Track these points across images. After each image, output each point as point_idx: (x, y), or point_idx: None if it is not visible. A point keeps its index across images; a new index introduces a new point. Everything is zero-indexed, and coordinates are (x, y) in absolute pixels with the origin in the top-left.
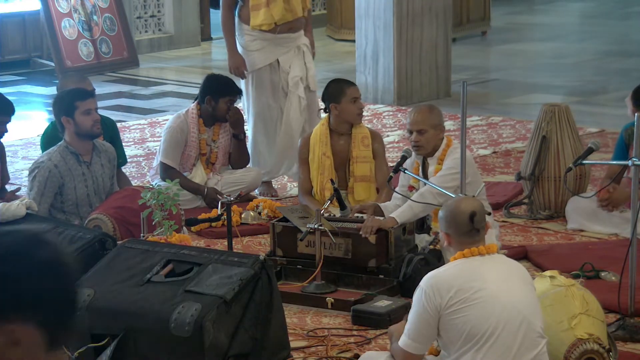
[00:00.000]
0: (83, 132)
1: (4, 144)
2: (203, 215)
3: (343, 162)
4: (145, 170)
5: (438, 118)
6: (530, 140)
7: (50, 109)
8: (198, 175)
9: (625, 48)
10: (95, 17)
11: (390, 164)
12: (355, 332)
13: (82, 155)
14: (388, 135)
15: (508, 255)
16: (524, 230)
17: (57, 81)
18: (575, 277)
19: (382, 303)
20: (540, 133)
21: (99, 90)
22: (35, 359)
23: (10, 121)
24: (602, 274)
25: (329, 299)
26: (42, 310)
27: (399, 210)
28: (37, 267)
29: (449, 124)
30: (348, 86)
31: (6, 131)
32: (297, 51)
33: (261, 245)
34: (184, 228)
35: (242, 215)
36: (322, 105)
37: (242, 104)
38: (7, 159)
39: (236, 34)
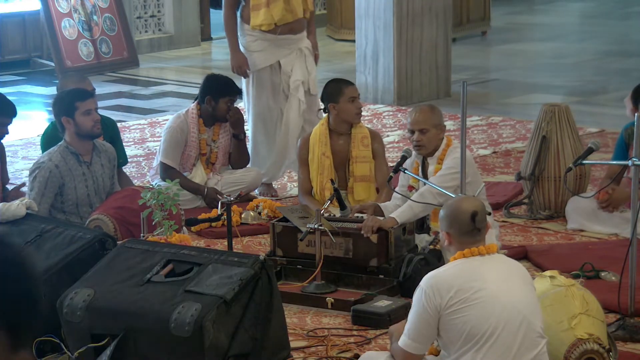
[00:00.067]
0: (83, 133)
1: (4, 145)
2: (203, 215)
3: (343, 162)
4: (145, 170)
5: (439, 118)
6: (530, 140)
7: (50, 109)
8: (198, 175)
9: (625, 48)
10: (95, 17)
11: (390, 164)
12: (355, 332)
13: (82, 155)
14: (388, 135)
15: (508, 255)
16: (524, 230)
17: (57, 81)
18: (575, 277)
19: (382, 303)
20: (540, 133)
21: (99, 90)
22: None
23: (11, 123)
24: (602, 274)
25: (329, 299)
26: (3, 312)
27: (399, 210)
28: None
29: (449, 124)
30: (346, 86)
31: (7, 133)
32: (299, 54)
33: (261, 245)
34: (184, 228)
35: (242, 215)
36: (321, 105)
37: (242, 104)
38: (7, 159)
39: (238, 34)
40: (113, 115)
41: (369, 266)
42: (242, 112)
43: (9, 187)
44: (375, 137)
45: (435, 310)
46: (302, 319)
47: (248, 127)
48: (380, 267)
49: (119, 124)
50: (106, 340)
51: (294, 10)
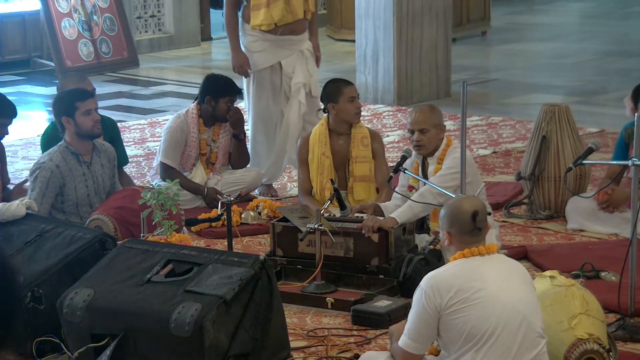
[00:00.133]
0: (83, 133)
1: (4, 145)
2: (203, 215)
3: (342, 162)
4: (145, 170)
5: (439, 118)
6: (530, 140)
7: (50, 109)
8: (198, 175)
9: (625, 48)
10: (95, 17)
11: (390, 164)
12: (355, 332)
13: (82, 155)
14: (388, 135)
15: (508, 255)
16: (524, 230)
17: (57, 81)
18: (575, 277)
19: (382, 303)
20: (540, 133)
21: (99, 90)
22: None
23: (11, 123)
24: (602, 274)
25: (329, 299)
26: None
27: (399, 210)
28: None
29: (449, 124)
30: (345, 85)
31: (7, 133)
32: (300, 55)
33: (261, 245)
34: (184, 228)
35: (242, 215)
36: (320, 105)
37: (243, 104)
38: (7, 159)
39: (239, 34)
40: (113, 115)
41: (369, 265)
42: (243, 112)
43: (10, 187)
44: (375, 137)
45: (435, 310)
46: (302, 319)
47: (248, 127)
48: (380, 267)
49: (119, 124)
50: (106, 340)
51: (294, 10)
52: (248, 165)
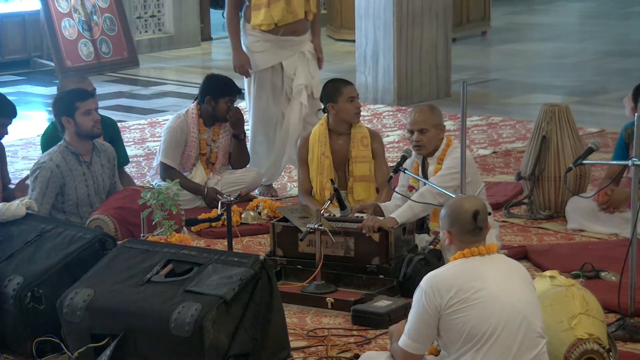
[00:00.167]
0: (83, 133)
1: (4, 145)
2: (203, 215)
3: (342, 162)
4: (145, 170)
5: (439, 118)
6: (530, 140)
7: (50, 109)
8: (198, 175)
9: (625, 48)
10: (95, 17)
11: (390, 164)
12: (355, 332)
13: (82, 155)
14: (388, 135)
15: (508, 255)
16: (524, 230)
17: (57, 81)
18: (575, 277)
19: (382, 303)
20: (540, 133)
21: (99, 90)
22: None
23: (11, 123)
24: (602, 274)
25: (329, 299)
26: None
27: (399, 210)
28: None
29: (449, 124)
30: (345, 85)
31: (6, 133)
32: (302, 57)
33: (261, 245)
34: (184, 228)
35: (242, 215)
36: (320, 105)
37: (244, 104)
38: (7, 159)
39: (241, 34)
40: (113, 115)
41: (370, 265)
42: (244, 112)
43: (12, 187)
44: (375, 137)
45: (435, 310)
46: (302, 319)
47: (248, 127)
48: (380, 267)
49: (119, 124)
50: (106, 340)
51: (294, 11)
52: (248, 165)
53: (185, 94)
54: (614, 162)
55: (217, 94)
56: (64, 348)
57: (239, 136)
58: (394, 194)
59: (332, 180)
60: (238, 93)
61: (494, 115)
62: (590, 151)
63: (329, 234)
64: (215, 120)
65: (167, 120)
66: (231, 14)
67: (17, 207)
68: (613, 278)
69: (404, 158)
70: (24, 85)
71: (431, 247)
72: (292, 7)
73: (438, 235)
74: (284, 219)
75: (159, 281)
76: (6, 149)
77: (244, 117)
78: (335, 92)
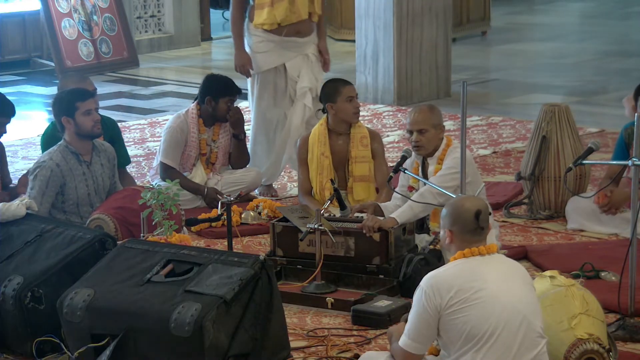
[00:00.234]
0: (84, 133)
1: (4, 144)
2: (203, 215)
3: (342, 162)
4: (145, 170)
5: (438, 118)
6: (530, 140)
7: (50, 109)
8: (198, 175)
9: (625, 48)
10: (95, 17)
11: (391, 164)
12: (355, 332)
13: (82, 155)
14: (388, 135)
15: (508, 255)
16: (524, 230)
17: (57, 81)
18: (575, 277)
19: (382, 303)
20: (540, 133)
21: (99, 90)
22: None
23: (10, 122)
24: (602, 274)
25: (329, 299)
26: None
27: (399, 210)
28: None
29: (449, 124)
30: (344, 85)
31: (5, 132)
32: (306, 59)
33: (261, 245)
34: (184, 228)
35: (242, 215)
36: (320, 105)
37: (244, 104)
38: (7, 159)
39: (245, 34)
40: (113, 115)
41: (370, 265)
42: (245, 112)
43: (12, 186)
44: (375, 137)
45: (435, 310)
46: (302, 319)
47: (250, 127)
48: (380, 267)
49: (119, 124)
50: (106, 340)
51: (298, 11)
52: (248, 165)
53: (185, 94)
54: (614, 162)
55: (217, 94)
56: (64, 348)
57: (239, 136)
58: (394, 194)
59: (332, 180)
60: (238, 93)
61: (494, 115)
62: (590, 151)
63: (329, 234)
64: (215, 120)
65: (167, 120)
66: (235, 14)
67: (17, 207)
68: (613, 278)
69: (404, 158)
70: (24, 85)
71: (431, 247)
72: (295, 7)
73: (438, 235)
74: (284, 219)
75: (159, 281)
76: (6, 149)
77: (244, 117)
78: (334, 92)
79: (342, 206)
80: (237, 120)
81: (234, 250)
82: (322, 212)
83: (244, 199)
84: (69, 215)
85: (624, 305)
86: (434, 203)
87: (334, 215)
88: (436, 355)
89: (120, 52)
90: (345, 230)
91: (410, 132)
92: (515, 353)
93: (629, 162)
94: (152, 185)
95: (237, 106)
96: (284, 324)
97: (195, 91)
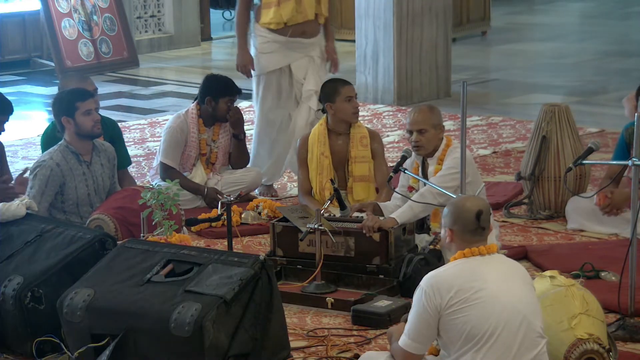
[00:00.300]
0: (84, 133)
1: (4, 144)
2: (203, 215)
3: (342, 162)
4: (145, 170)
5: (438, 118)
6: (530, 140)
7: (50, 109)
8: (198, 175)
9: (625, 48)
10: (95, 17)
11: (390, 164)
12: (355, 332)
13: (82, 155)
14: (388, 135)
15: (508, 255)
16: (524, 230)
17: (57, 81)
18: (575, 277)
19: (382, 303)
20: (540, 133)
21: (99, 90)
22: None
23: (8, 120)
24: (602, 274)
25: (329, 299)
26: None
27: (399, 210)
28: None
29: (449, 124)
30: (343, 85)
31: (3, 130)
32: (311, 62)
33: (261, 245)
34: (184, 228)
35: (242, 215)
36: (320, 105)
37: (244, 104)
38: (7, 159)
39: (251, 34)
40: (113, 115)
41: (370, 265)
42: (247, 112)
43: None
44: (375, 137)
45: (435, 310)
46: (302, 319)
47: (253, 127)
48: (380, 267)
49: (119, 124)
50: (106, 340)
51: (304, 11)
52: (248, 165)
53: (185, 94)
54: (614, 162)
55: (217, 94)
56: (64, 348)
57: (239, 136)
58: (394, 194)
59: (332, 180)
60: (238, 93)
61: (494, 115)
62: (590, 151)
63: (329, 234)
64: (215, 120)
65: (167, 120)
66: (241, 13)
67: (17, 207)
68: (613, 278)
69: (404, 158)
70: (24, 85)
71: (431, 247)
72: (302, 7)
73: (438, 235)
74: (284, 219)
75: (159, 281)
76: (6, 149)
77: (244, 117)
78: (333, 92)
79: (342, 206)
80: (237, 120)
81: (234, 250)
82: (322, 212)
83: (244, 199)
84: (68, 215)
85: (624, 305)
86: (434, 203)
87: (334, 215)
88: (436, 355)
89: (120, 52)
90: (345, 230)
91: (410, 132)
92: (515, 353)
93: (629, 162)
94: (152, 185)
95: (237, 106)
96: (284, 324)
97: (195, 91)
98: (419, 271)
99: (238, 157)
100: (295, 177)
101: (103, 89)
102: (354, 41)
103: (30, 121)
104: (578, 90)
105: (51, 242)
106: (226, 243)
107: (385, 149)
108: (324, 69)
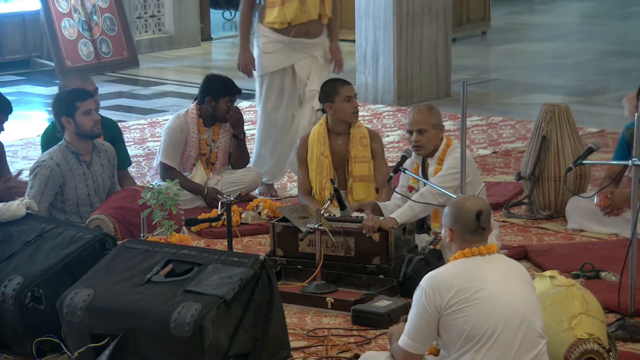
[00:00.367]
0: (83, 133)
1: (4, 144)
2: (203, 215)
3: (342, 162)
4: (145, 170)
5: (438, 118)
6: (530, 140)
7: (50, 109)
8: (198, 175)
9: (625, 48)
10: (95, 17)
11: (391, 164)
12: (355, 332)
13: (82, 155)
14: (388, 135)
15: (508, 255)
16: (524, 230)
17: (57, 81)
18: (575, 277)
19: (382, 303)
20: (540, 133)
21: (99, 90)
22: None
23: (7, 120)
24: (602, 274)
25: (329, 299)
26: None
27: (399, 210)
28: None
29: (449, 124)
30: (342, 85)
31: (2, 130)
32: (315, 62)
33: (261, 245)
34: (184, 228)
35: (242, 215)
36: (320, 105)
37: (243, 104)
38: (7, 159)
39: (255, 34)
40: (113, 115)
41: (370, 265)
42: (247, 112)
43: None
44: (374, 137)
45: (435, 310)
46: (302, 319)
47: (255, 127)
48: (380, 267)
49: (119, 124)
50: (106, 340)
51: (308, 11)
52: (249, 165)
53: (185, 94)
54: (614, 162)
55: (217, 94)
56: (64, 348)
57: (238, 136)
58: (394, 193)
59: (332, 180)
60: (238, 93)
61: (494, 115)
62: (590, 151)
63: (329, 234)
64: (215, 120)
65: (167, 120)
66: (244, 13)
67: (17, 207)
68: (613, 278)
69: (404, 158)
70: (24, 85)
71: (431, 247)
72: (306, 7)
73: (438, 235)
74: (284, 219)
75: (159, 281)
76: (6, 149)
77: (244, 117)
78: (333, 91)
79: (342, 206)
80: (237, 120)
81: (234, 250)
82: (322, 212)
83: (244, 199)
84: (68, 215)
85: (624, 305)
86: (434, 203)
87: (334, 215)
88: (436, 355)
89: (120, 52)
90: (345, 230)
91: (410, 132)
92: (515, 353)
93: (629, 162)
94: (152, 185)
95: (237, 106)
96: (284, 324)
97: (195, 91)
98: (419, 271)
99: (238, 157)
100: (295, 177)
101: (103, 89)
102: (354, 41)
103: (30, 121)
104: (578, 90)
105: (51, 242)
106: (226, 243)
107: (385, 149)
108: (327, 69)
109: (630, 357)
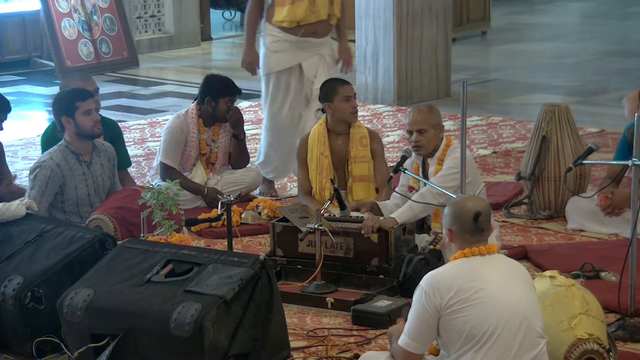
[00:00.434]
0: (84, 133)
1: (3, 144)
2: (203, 215)
3: (341, 162)
4: (145, 170)
5: (438, 118)
6: (530, 140)
7: (50, 109)
8: (198, 175)
9: (625, 48)
10: (95, 17)
11: (391, 164)
12: (355, 332)
13: (82, 155)
14: (388, 135)
15: (508, 255)
16: (524, 230)
17: (58, 81)
18: (575, 277)
19: (382, 303)
20: (540, 133)
21: (99, 90)
22: None
23: (6, 119)
24: (602, 274)
25: (329, 299)
26: None
27: (399, 210)
28: None
29: (449, 124)
30: (341, 85)
31: (1, 129)
32: (322, 60)
33: (261, 245)
34: (184, 228)
35: (242, 215)
36: (319, 105)
37: (250, 103)
38: (7, 159)
39: (262, 33)
40: (113, 115)
41: (370, 265)
42: (248, 112)
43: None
44: (374, 137)
45: (435, 310)
46: (302, 319)
47: (255, 126)
48: (380, 267)
49: (119, 124)
50: (106, 340)
51: (318, 11)
52: (248, 165)
53: (185, 94)
54: (614, 162)
55: (217, 94)
56: (64, 348)
57: (238, 136)
58: (394, 193)
59: (332, 180)
60: (238, 93)
61: (494, 115)
62: (590, 151)
63: (329, 234)
64: (215, 120)
65: (167, 120)
66: (252, 11)
67: (17, 207)
68: (613, 278)
69: (403, 158)
70: (24, 85)
71: (431, 247)
72: (316, 7)
73: (438, 235)
74: (284, 219)
75: (159, 281)
76: (6, 149)
77: (244, 117)
78: (332, 91)
79: (342, 206)
80: (237, 120)
81: (234, 250)
82: (322, 212)
83: (244, 199)
84: (68, 215)
85: (624, 305)
86: (434, 203)
87: (334, 215)
88: (436, 355)
89: (120, 52)
90: (345, 230)
91: (410, 132)
92: (515, 353)
93: (629, 162)
94: (152, 185)
95: (237, 106)
96: (284, 324)
97: (195, 91)
98: (419, 271)
99: (238, 157)
100: (295, 177)
101: (103, 89)
102: (354, 41)
103: (30, 121)
104: (578, 90)
105: (51, 242)
106: (226, 243)
107: (385, 149)
108: (334, 68)
109: (630, 357)
